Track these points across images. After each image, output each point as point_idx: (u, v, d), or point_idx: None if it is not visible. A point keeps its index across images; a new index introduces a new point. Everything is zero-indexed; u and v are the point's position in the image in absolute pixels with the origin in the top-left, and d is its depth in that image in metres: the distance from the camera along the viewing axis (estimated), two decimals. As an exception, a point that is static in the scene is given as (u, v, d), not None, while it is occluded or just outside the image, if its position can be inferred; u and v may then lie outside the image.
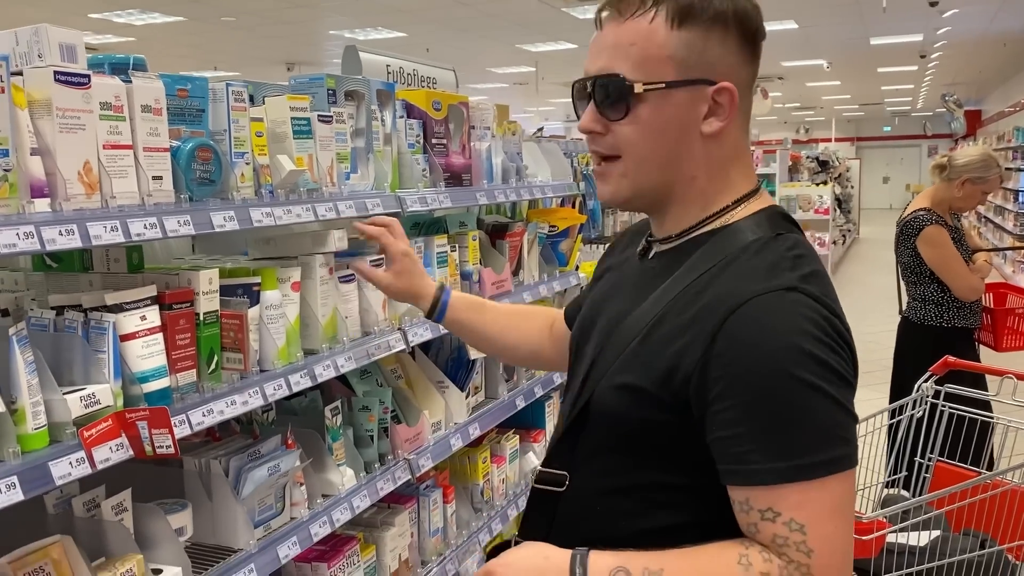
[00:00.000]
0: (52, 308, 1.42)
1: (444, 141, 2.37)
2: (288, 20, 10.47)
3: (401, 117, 2.20)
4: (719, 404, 0.99)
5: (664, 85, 1.07)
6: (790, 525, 0.98)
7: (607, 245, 1.41)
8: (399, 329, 2.10)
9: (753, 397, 0.98)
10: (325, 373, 1.80)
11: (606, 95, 1.10)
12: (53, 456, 1.25)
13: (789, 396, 0.97)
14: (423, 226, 2.52)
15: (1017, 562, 2.39)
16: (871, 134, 30.89)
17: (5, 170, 1.18)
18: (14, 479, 1.18)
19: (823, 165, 13.50)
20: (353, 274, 1.98)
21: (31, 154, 1.24)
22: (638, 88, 1.08)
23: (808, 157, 12.02)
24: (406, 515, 2.18)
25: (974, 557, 2.33)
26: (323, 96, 1.89)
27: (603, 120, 1.11)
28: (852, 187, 17.12)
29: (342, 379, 2.18)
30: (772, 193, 8.50)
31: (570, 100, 1.19)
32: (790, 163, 9.30)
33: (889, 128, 29.73)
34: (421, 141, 2.27)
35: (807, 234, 8.75)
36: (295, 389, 1.71)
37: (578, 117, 1.16)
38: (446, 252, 2.33)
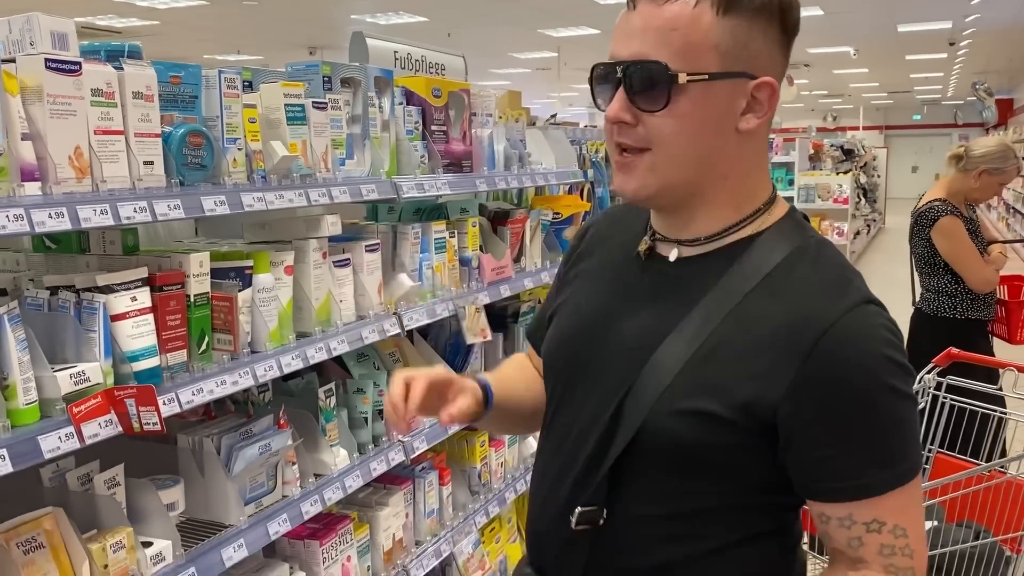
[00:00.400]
0: (47, 288, 1.47)
1: (444, 128, 2.39)
2: (310, 4, 10.51)
3: (400, 104, 2.22)
4: (818, 425, 0.98)
5: (708, 76, 0.99)
6: (895, 532, 0.99)
7: (570, 246, 1.30)
8: (394, 314, 2.13)
9: (857, 413, 0.97)
10: (317, 355, 1.84)
11: (643, 83, 1.00)
12: (43, 431, 1.30)
13: (889, 407, 0.98)
14: (424, 212, 2.55)
15: (1012, 554, 2.39)
16: (900, 122, 30.46)
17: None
18: (4, 451, 1.23)
19: (848, 154, 13.34)
20: (348, 258, 2.02)
21: (22, 139, 1.28)
22: (681, 79, 0.99)
23: (832, 146, 11.89)
24: (401, 496, 2.22)
25: (968, 548, 2.33)
26: (319, 83, 1.92)
27: (634, 110, 1.02)
28: (878, 176, 16.92)
29: (340, 362, 2.23)
30: (791, 182, 8.43)
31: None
32: (812, 151, 9.22)
33: (919, 116, 29.29)
34: (420, 128, 2.30)
35: (826, 224, 8.67)
36: (286, 370, 1.75)
37: (596, 103, 1.07)
38: (444, 238, 2.36)
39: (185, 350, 1.57)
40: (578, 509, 1.06)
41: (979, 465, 2.42)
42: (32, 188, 1.29)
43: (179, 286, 1.55)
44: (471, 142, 2.50)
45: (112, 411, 1.39)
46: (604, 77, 1.04)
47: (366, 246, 2.06)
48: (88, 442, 1.35)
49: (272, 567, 1.83)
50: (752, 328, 1.00)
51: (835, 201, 8.59)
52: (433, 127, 2.34)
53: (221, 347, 1.65)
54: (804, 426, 0.98)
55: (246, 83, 1.87)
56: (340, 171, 1.95)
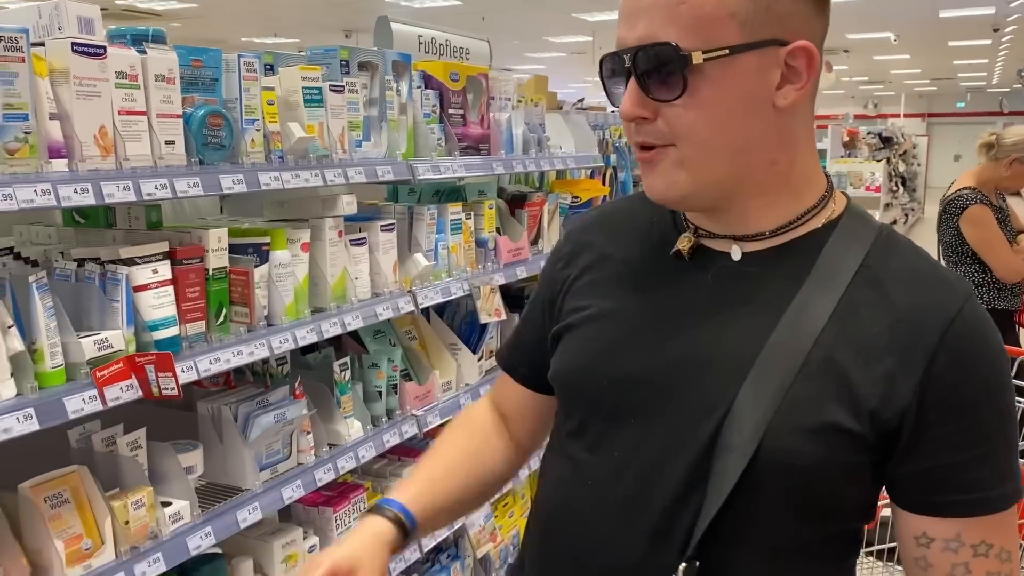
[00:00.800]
0: (74, 260, 1.55)
1: (461, 111, 2.44)
2: (346, -12, 10.59)
3: (418, 87, 2.28)
4: (948, 427, 0.86)
5: (728, 51, 0.85)
6: (1000, 556, 0.88)
7: (555, 253, 1.13)
8: (409, 292, 2.20)
9: (987, 413, 0.87)
10: (332, 330, 1.91)
11: (654, 70, 0.87)
12: (68, 393, 1.38)
13: (1011, 406, 0.89)
14: (443, 194, 2.61)
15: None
16: (943, 110, 29.85)
17: (25, 132, 1.30)
18: (31, 411, 1.32)
19: (886, 142, 13.15)
20: (364, 237, 2.08)
21: (50, 118, 1.36)
22: (696, 58, 0.85)
23: (870, 133, 11.73)
24: (412, 467, 2.29)
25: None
26: (336, 67, 1.98)
27: (651, 102, 0.88)
28: (918, 165, 16.63)
29: (357, 338, 2.30)
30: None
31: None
32: (847, 139, 9.11)
33: (963, 104, 28.68)
34: (438, 111, 2.35)
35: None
36: (301, 343, 1.83)
37: (610, 99, 0.94)
38: (460, 219, 2.42)
39: (203, 321, 1.65)
40: (682, 566, 0.88)
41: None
42: (59, 165, 1.37)
43: (198, 260, 1.63)
44: (488, 126, 2.55)
45: (133, 376, 1.47)
46: (613, 70, 0.92)
47: (382, 225, 2.12)
48: (110, 405, 1.43)
49: (287, 531, 1.91)
50: (864, 326, 0.88)
51: (867, 189, 8.49)
52: (450, 110, 2.39)
53: (238, 319, 1.73)
54: (932, 430, 0.86)
55: (268, 66, 1.94)
56: (357, 152, 2.01)
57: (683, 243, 0.98)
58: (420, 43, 2.77)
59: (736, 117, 0.88)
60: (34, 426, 1.32)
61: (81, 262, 1.54)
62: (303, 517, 2.01)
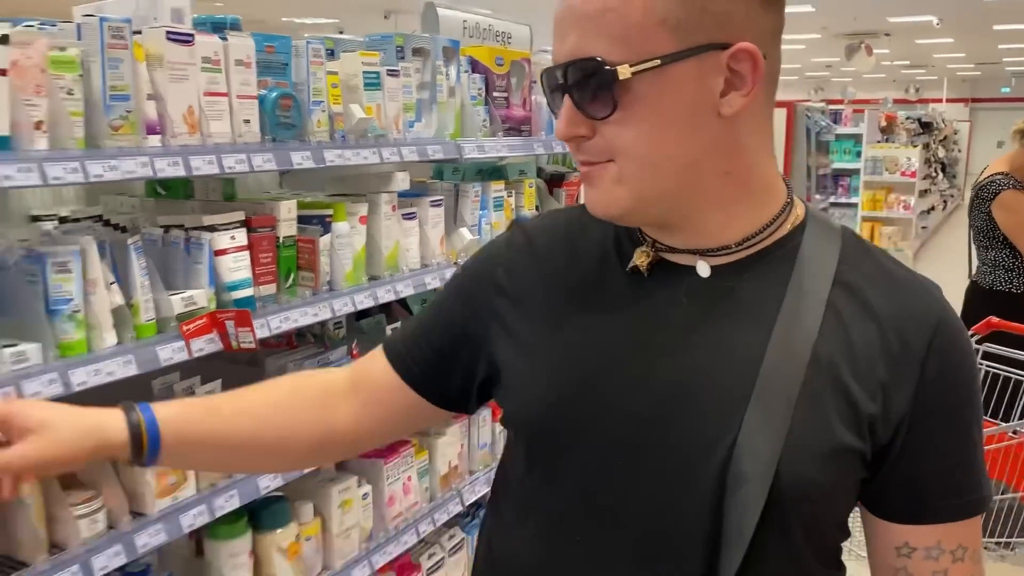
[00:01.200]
0: (161, 227, 1.73)
1: (505, 94, 2.59)
2: (386, -29, 10.72)
3: (465, 72, 2.43)
4: (933, 435, 0.85)
5: (659, 61, 0.79)
6: (974, 558, 0.89)
7: (496, 249, 1.04)
8: (455, 263, 2.36)
9: (970, 419, 0.88)
10: (385, 296, 2.08)
11: (584, 87, 0.82)
12: (160, 343, 1.56)
13: (980, 412, 0.91)
14: (486, 173, 2.76)
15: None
16: (988, 95, 29.28)
17: (127, 111, 1.47)
18: (131, 357, 1.50)
19: (925, 127, 13.03)
20: (415, 212, 2.24)
21: (147, 99, 1.53)
22: (623, 72, 0.80)
23: (908, 118, 11.64)
24: (457, 428, 2.46)
25: (993, 503, 2.47)
26: (392, 52, 2.13)
27: (586, 120, 0.83)
28: (959, 151, 16.43)
29: (405, 305, 2.47)
30: (858, 154, 8.36)
31: None
32: (884, 123, 9.09)
33: (1008, 89, 28.10)
34: (483, 94, 2.50)
35: (892, 197, 8.56)
36: (359, 307, 1.99)
37: (553, 114, 0.89)
38: (502, 197, 2.57)
39: (274, 284, 1.82)
40: None
41: (1000, 424, 2.54)
42: (154, 140, 1.54)
43: (271, 228, 1.80)
44: (531, 108, 2.69)
45: (215, 330, 1.65)
46: (551, 86, 0.86)
47: (431, 201, 2.28)
48: (195, 355, 1.61)
49: (343, 479, 2.09)
50: (853, 337, 0.84)
51: (902, 174, 8.48)
52: (495, 93, 2.54)
53: (304, 283, 1.90)
54: (924, 438, 0.85)
55: (328, 51, 2.10)
56: (409, 132, 2.17)
57: (640, 258, 0.90)
58: (464, 28, 2.92)
59: (677, 130, 0.82)
60: (133, 370, 1.50)
61: (167, 228, 1.72)
62: (357, 467, 2.19)
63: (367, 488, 2.16)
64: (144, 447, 0.95)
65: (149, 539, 1.56)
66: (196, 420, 1.01)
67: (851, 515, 0.93)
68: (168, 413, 0.97)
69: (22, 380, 1.34)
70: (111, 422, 0.95)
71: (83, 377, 1.42)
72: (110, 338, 1.51)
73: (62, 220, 1.86)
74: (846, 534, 0.93)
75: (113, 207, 1.99)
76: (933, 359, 0.84)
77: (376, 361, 1.07)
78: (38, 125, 1.37)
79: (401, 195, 2.19)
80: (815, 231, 0.90)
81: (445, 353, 1.03)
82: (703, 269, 0.89)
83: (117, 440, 0.94)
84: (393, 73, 2.08)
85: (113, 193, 2.02)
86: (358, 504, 2.10)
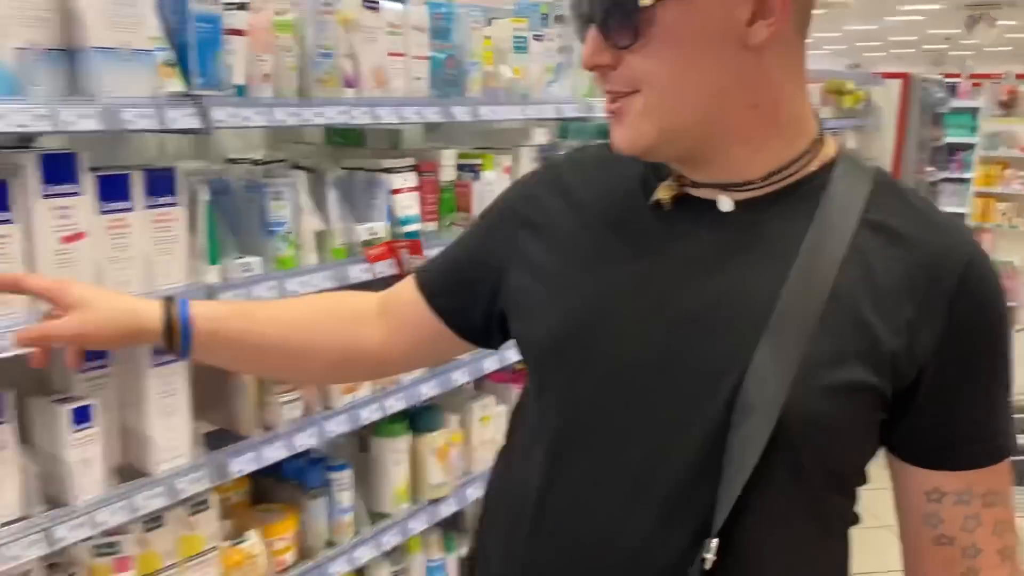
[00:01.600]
0: (343, 168, 2.02)
1: (632, 59, 2.79)
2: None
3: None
4: (963, 377, 0.84)
5: None
6: (1005, 503, 0.88)
7: (524, 184, 1.06)
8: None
9: (998, 360, 0.86)
10: (525, 237, 2.34)
11: (608, 15, 0.82)
12: (349, 264, 1.86)
13: (1010, 353, 0.88)
14: (606, 134, 2.97)
15: None
16: (1124, 70, 27.41)
17: (331, 67, 1.76)
18: (330, 272, 1.80)
19: (1051, 102, 12.43)
20: (550, 164, 2.49)
21: (345, 57, 1.82)
22: (645, 0, 0.79)
23: (1033, 92, 11.16)
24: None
25: None
26: (537, 19, 2.37)
27: (610, 49, 0.83)
28: (1086, 128, 15.56)
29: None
30: (973, 129, 8.14)
31: None
32: (1005, 97, 8.80)
33: None
34: (613, 59, 2.71)
35: (1009, 172, 8.30)
36: (503, 246, 2.26)
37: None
38: (627, 154, 2.79)
39: (436, 221, 2.10)
40: (714, 542, 0.80)
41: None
42: (350, 93, 1.83)
43: (434, 173, 2.08)
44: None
45: (391, 257, 1.94)
46: (578, 15, 0.86)
47: (543, 157, 2.52)
48: (377, 276, 1.91)
49: (482, 397, 2.37)
50: (878, 273, 0.83)
51: (1021, 149, 8.23)
52: (624, 58, 2.75)
53: (459, 222, 2.18)
54: (953, 379, 0.84)
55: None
56: (549, 92, 2.41)
57: (664, 192, 0.90)
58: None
59: (702, 60, 0.81)
60: (330, 284, 1.80)
61: (351, 170, 2.01)
62: (493, 389, 2.47)
63: (502, 408, 2.44)
64: (176, 338, 1.02)
65: (335, 427, 1.88)
66: (228, 320, 1.06)
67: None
68: (203, 311, 1.04)
69: (250, 286, 1.66)
70: (148, 311, 1.02)
71: (294, 287, 1.73)
72: (312, 257, 1.81)
73: (254, 162, 2.18)
74: (862, 479, 0.91)
75: (294, 153, 2.30)
76: (962, 297, 0.82)
77: (406, 288, 1.10)
78: (265, 77, 1.67)
79: (540, 148, 2.44)
80: (845, 170, 0.88)
81: (468, 283, 1.04)
82: (725, 204, 0.88)
83: (151, 328, 1.01)
84: (539, 38, 2.32)
85: (292, 141, 2.33)
86: (495, 421, 2.38)
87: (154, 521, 1.60)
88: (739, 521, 0.81)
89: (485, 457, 2.35)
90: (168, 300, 1.04)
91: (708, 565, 0.80)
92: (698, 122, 0.84)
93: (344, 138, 2.27)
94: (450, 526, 2.38)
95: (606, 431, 0.88)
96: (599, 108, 2.57)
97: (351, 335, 1.10)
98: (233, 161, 2.20)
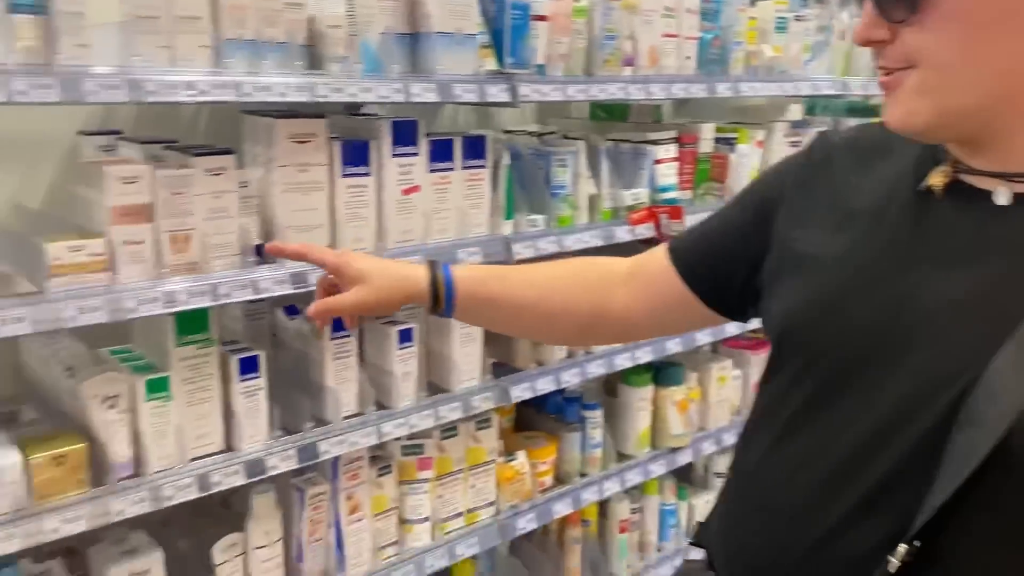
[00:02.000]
0: (610, 140, 2.23)
1: (889, 38, 2.79)
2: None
3: (855, 17, 2.68)
4: None
5: None
6: None
7: (799, 157, 1.03)
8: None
9: None
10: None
11: None
12: (614, 225, 2.07)
13: None
14: (857, 111, 2.99)
15: None
16: None
17: (615, 48, 1.97)
18: (598, 232, 2.02)
19: None
20: (800, 140, 2.57)
21: (625, 38, 2.02)
22: None
23: None
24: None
25: None
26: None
27: (886, 23, 0.79)
28: None
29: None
30: None
31: None
32: None
33: None
34: (870, 37, 2.73)
35: None
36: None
37: None
38: (877, 132, 2.80)
39: (691, 190, 2.27)
40: (904, 546, 0.77)
41: None
42: (627, 71, 2.03)
43: (694, 145, 2.25)
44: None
45: (651, 221, 2.13)
46: None
47: (818, 132, 2.59)
48: (637, 237, 2.11)
49: (720, 359, 2.52)
50: None
51: None
52: (881, 37, 2.75)
53: (712, 192, 2.33)
54: None
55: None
56: (805, 70, 2.49)
57: (935, 179, 0.84)
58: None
59: (988, 35, 0.75)
60: (598, 242, 2.02)
61: (616, 141, 2.22)
62: (729, 353, 2.61)
63: (738, 372, 2.58)
64: (441, 300, 1.13)
65: (595, 369, 2.11)
66: (487, 283, 1.15)
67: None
68: (464, 274, 1.14)
69: (536, 239, 1.91)
70: (417, 276, 1.13)
71: (570, 243, 1.97)
72: (585, 217, 2.04)
73: (530, 134, 2.45)
74: None
75: (562, 127, 2.55)
76: None
77: (656, 255, 1.12)
78: (560, 57, 1.90)
79: (792, 125, 2.53)
80: None
81: (723, 256, 1.05)
82: (1002, 196, 0.81)
83: (420, 292, 1.13)
84: (799, 18, 2.40)
85: (560, 117, 2.58)
86: (731, 383, 2.53)
87: (449, 431, 1.91)
88: (938, 531, 0.76)
89: (719, 416, 2.51)
90: (433, 264, 1.14)
91: (892, 569, 0.76)
92: (981, 104, 0.78)
93: (608, 113, 2.48)
94: (683, 477, 2.56)
95: (829, 415, 0.87)
96: (854, 86, 2.61)
97: (599, 300, 1.14)
98: (510, 132, 2.49)
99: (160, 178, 1.40)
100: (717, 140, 2.33)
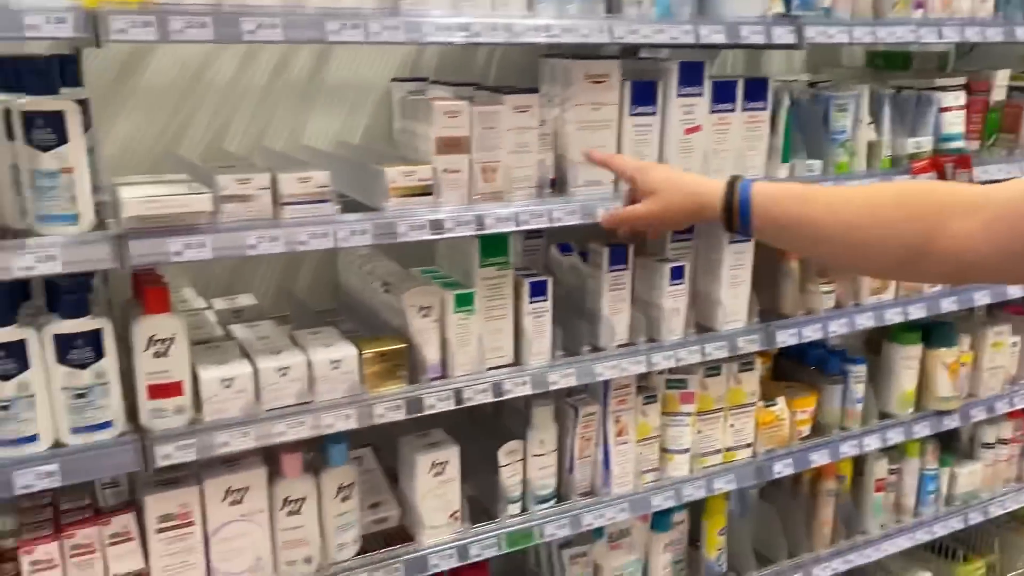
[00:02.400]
0: (892, 87, 2.16)
1: None
2: None
3: None
4: None
5: None
6: None
7: None
8: None
9: None
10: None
11: None
12: (893, 173, 2.01)
13: None
14: None
15: None
16: None
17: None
18: (877, 180, 1.98)
19: None
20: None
21: (918, -21, 1.94)
22: None
23: None
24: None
25: None
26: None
27: None
28: None
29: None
30: None
31: None
32: None
33: None
34: None
35: None
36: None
37: None
38: None
39: (979, 140, 2.15)
40: None
41: None
42: (917, 14, 1.95)
43: (985, 93, 2.12)
44: None
45: (933, 170, 2.05)
46: None
47: None
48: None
49: (997, 324, 2.37)
50: None
51: None
52: None
53: (1003, 143, 2.19)
54: None
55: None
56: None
57: None
58: None
59: None
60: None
61: (899, 89, 2.14)
62: (1007, 319, 2.44)
63: (1016, 338, 2.41)
64: (735, 220, 1.11)
65: (863, 321, 2.07)
66: (787, 205, 1.08)
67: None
68: (764, 192, 1.09)
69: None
70: (711, 192, 1.12)
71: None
72: (862, 164, 2.01)
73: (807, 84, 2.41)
74: None
75: (835, 76, 2.49)
76: None
77: (1017, 183, 0.95)
78: (848, 0, 1.87)
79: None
80: None
81: None
82: None
83: (712, 208, 1.12)
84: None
85: (832, 66, 2.52)
86: (1007, 349, 2.38)
87: (713, 370, 1.97)
88: None
89: (992, 383, 2.37)
90: (733, 180, 1.12)
91: None
92: None
93: (887, 62, 2.39)
94: (946, 446, 2.45)
95: None
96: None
97: (928, 230, 0.98)
98: (783, 81, 2.47)
99: (476, 113, 1.56)
100: (1011, 89, 2.18)
